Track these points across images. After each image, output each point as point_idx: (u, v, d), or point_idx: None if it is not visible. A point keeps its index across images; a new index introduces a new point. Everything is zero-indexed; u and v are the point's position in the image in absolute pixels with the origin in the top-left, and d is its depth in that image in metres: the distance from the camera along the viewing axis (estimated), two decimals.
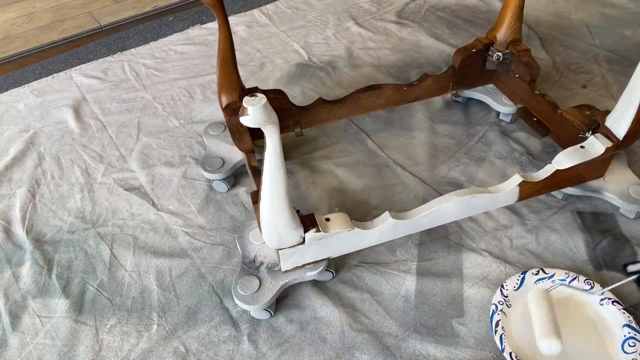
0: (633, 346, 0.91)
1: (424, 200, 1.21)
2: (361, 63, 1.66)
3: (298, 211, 0.94)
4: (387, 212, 0.98)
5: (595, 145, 1.07)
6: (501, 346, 0.92)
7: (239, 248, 1.07)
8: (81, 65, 1.72)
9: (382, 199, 1.23)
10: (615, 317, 0.96)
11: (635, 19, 1.79)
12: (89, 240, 1.17)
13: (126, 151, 1.39)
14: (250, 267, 1.02)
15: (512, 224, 1.15)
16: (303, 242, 0.94)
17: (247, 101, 0.74)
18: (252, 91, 1.24)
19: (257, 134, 1.15)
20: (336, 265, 1.09)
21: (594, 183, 1.15)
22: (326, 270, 1.03)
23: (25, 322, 1.04)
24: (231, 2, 1.98)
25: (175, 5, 2.03)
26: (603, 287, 0.99)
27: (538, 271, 1.03)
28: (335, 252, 1.01)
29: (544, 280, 1.02)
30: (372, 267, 1.09)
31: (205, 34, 1.83)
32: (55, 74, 1.68)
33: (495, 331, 0.94)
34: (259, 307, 0.97)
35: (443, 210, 1.01)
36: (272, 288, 0.99)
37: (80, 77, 1.67)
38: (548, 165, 1.07)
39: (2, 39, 1.89)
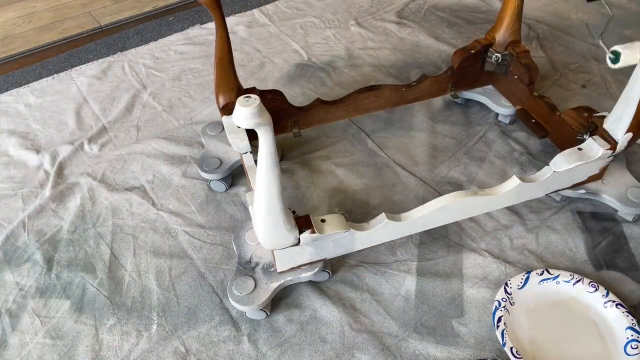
0: (635, 348, 0.91)
1: (424, 200, 1.21)
2: (361, 63, 1.66)
3: (294, 212, 0.94)
4: (383, 213, 0.98)
5: (593, 148, 1.07)
6: (502, 341, 0.92)
7: (234, 248, 1.07)
8: (81, 65, 1.72)
9: (382, 199, 1.23)
10: (618, 319, 0.96)
11: (635, 19, 1.79)
12: (89, 240, 1.17)
13: (126, 151, 1.39)
14: (246, 268, 1.02)
15: (512, 224, 1.15)
16: (298, 243, 0.94)
17: (240, 102, 0.73)
18: (250, 91, 1.23)
19: (254, 134, 1.15)
20: (336, 265, 1.09)
21: (592, 185, 1.14)
22: (323, 270, 1.03)
23: (25, 322, 1.03)
24: (231, 2, 1.98)
25: (175, 5, 2.03)
26: (607, 290, 0.99)
27: (543, 272, 1.03)
28: (330, 253, 1.00)
29: (548, 281, 1.02)
30: (372, 267, 1.09)
31: (205, 34, 1.83)
32: (56, 74, 1.68)
33: (497, 326, 0.94)
34: (254, 307, 0.97)
35: (438, 212, 1.00)
36: (267, 289, 0.98)
37: (80, 77, 1.67)
38: (545, 167, 1.07)
39: (2, 39, 1.89)
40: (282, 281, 1.00)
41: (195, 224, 1.20)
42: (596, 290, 1.00)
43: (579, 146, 1.08)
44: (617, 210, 1.15)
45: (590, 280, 1.01)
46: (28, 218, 1.23)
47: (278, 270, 1.00)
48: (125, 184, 1.30)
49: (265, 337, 0.99)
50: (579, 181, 1.12)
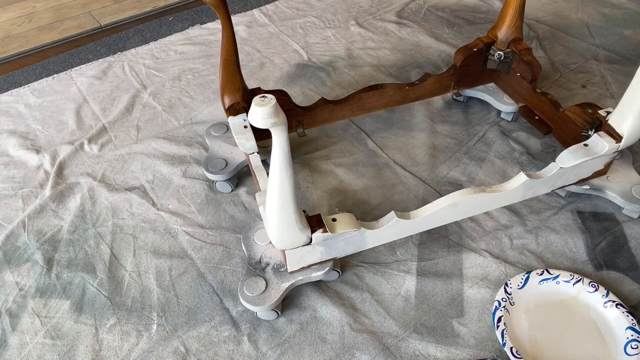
0: (636, 348, 0.91)
1: (424, 200, 1.22)
2: (361, 63, 1.66)
3: (304, 211, 0.94)
4: (392, 212, 0.98)
5: (599, 143, 1.07)
6: (502, 341, 0.92)
7: (244, 249, 1.07)
8: (81, 65, 1.72)
9: (382, 199, 1.23)
10: (618, 319, 0.96)
11: (635, 19, 1.79)
12: (89, 240, 1.17)
13: (126, 151, 1.39)
14: (256, 269, 1.02)
15: (512, 224, 1.15)
16: (310, 242, 0.94)
17: (257, 102, 0.74)
18: (255, 92, 1.24)
19: (260, 134, 1.16)
20: (336, 265, 1.09)
21: (596, 181, 1.15)
22: (333, 269, 1.03)
23: (25, 322, 1.03)
24: (231, 2, 1.98)
25: (175, 5, 2.03)
26: (607, 290, 0.99)
27: (543, 271, 1.03)
28: (341, 252, 1.01)
29: (548, 281, 1.02)
30: (372, 267, 1.09)
31: (205, 34, 1.83)
32: (56, 74, 1.68)
33: (497, 326, 0.94)
34: (266, 308, 0.97)
35: (447, 209, 1.00)
36: (278, 289, 0.99)
37: (80, 77, 1.67)
38: (552, 163, 1.07)
39: (2, 39, 1.89)
40: (293, 281, 1.00)
41: (195, 224, 1.20)
42: (596, 290, 1.00)
43: (584, 142, 1.08)
44: (622, 208, 1.16)
45: (590, 280, 1.01)
46: (28, 218, 1.23)
47: (289, 270, 1.00)
48: (125, 184, 1.30)
49: (265, 337, 0.99)
50: (584, 177, 1.13)
